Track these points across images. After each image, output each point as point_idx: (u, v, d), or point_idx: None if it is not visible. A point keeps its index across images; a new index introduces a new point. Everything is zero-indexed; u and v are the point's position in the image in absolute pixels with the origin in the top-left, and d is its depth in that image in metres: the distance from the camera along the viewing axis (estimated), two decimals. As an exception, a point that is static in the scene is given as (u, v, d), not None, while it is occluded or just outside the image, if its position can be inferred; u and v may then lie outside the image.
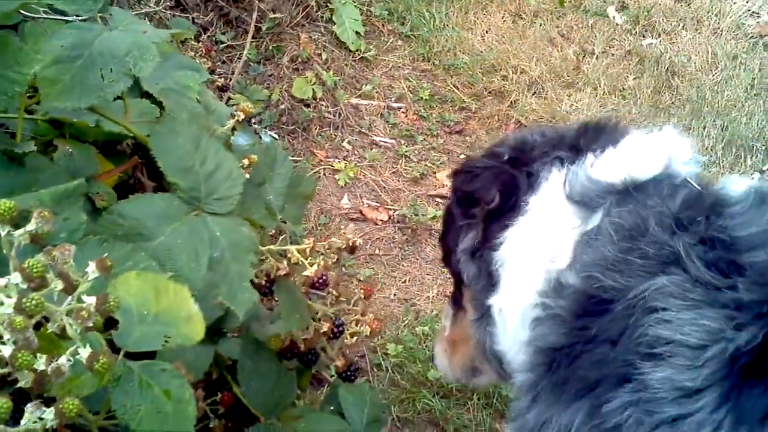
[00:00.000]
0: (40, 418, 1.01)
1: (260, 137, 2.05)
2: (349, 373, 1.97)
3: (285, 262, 1.74)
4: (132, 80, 1.58)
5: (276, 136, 3.57)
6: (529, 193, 1.65)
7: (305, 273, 1.72)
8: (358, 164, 3.81)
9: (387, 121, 4.06)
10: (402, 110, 4.15)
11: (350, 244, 1.82)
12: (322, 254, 1.77)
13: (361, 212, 3.57)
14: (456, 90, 4.29)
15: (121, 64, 1.56)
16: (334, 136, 3.92)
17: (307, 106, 3.98)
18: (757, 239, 1.30)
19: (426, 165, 3.87)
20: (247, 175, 1.77)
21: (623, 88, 4.43)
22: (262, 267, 1.73)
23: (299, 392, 2.14)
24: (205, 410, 1.85)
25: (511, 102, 4.23)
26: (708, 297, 1.26)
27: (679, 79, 4.56)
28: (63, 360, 1.05)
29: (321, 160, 3.78)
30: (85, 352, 1.05)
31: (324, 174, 3.73)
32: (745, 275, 1.26)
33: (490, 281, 1.69)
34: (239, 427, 1.86)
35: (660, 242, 1.36)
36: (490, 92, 4.29)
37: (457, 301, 1.95)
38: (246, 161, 1.83)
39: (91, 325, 1.05)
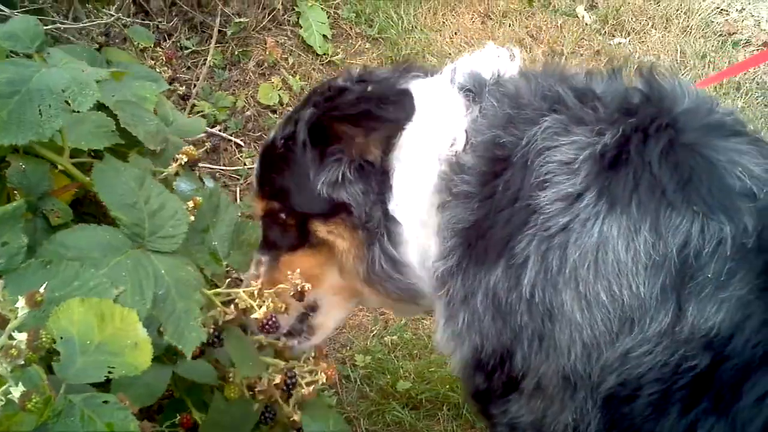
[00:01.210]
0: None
1: (203, 182, 2.00)
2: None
3: (232, 307, 1.68)
4: (70, 114, 1.55)
5: (213, 180, 3.51)
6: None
7: (254, 316, 1.66)
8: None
9: (355, 126, 4.01)
10: (369, 114, 4.10)
11: (300, 290, 1.77)
12: (270, 298, 1.72)
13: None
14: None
15: (60, 99, 1.53)
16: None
17: (274, 112, 3.94)
18: (609, 93, 1.71)
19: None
20: (192, 218, 1.73)
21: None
22: (209, 314, 1.67)
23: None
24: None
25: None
26: (578, 121, 1.64)
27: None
28: (-6, 399, 1.00)
29: (288, 167, 3.73)
30: (16, 392, 1.00)
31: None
32: (601, 102, 1.67)
33: (382, 192, 1.84)
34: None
35: (540, 96, 1.72)
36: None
37: (285, 244, 1.98)
38: (191, 203, 1.79)
39: (22, 363, 1.00)
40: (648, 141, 1.59)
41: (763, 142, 1.65)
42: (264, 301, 1.66)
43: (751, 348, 1.43)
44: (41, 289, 1.18)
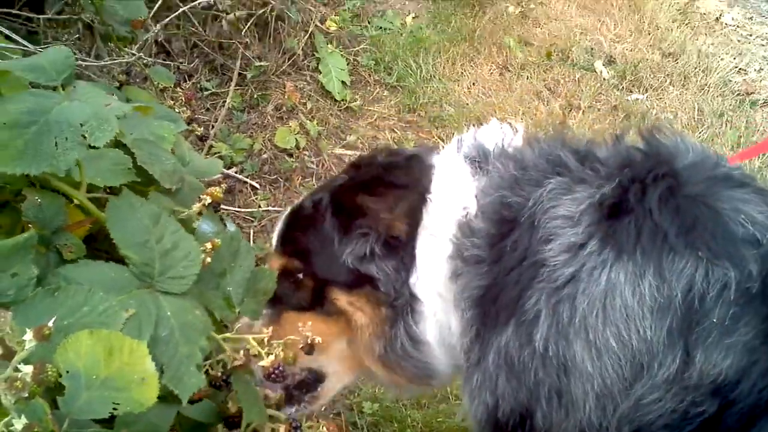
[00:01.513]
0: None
1: (225, 225, 2.00)
2: None
3: (241, 352, 1.66)
4: (86, 149, 1.54)
5: (234, 224, 3.52)
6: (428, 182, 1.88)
7: (261, 363, 1.63)
8: (341, 216, 3.76)
9: (371, 173, 4.02)
10: (386, 161, 4.11)
11: (309, 342, 1.76)
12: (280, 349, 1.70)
13: (342, 265, 3.51)
14: (441, 142, 4.26)
15: (77, 133, 1.53)
16: (316, 186, 3.88)
17: (290, 155, 3.96)
18: (610, 155, 1.75)
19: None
20: (209, 259, 1.72)
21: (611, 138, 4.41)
22: (218, 357, 1.65)
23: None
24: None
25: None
26: (579, 181, 1.69)
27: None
28: (-4, 431, 0.99)
29: (302, 211, 3.73)
30: (19, 424, 0.99)
31: (305, 225, 3.68)
32: (601, 164, 1.72)
33: (407, 267, 1.86)
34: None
35: (544, 160, 1.77)
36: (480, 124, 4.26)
37: (293, 302, 1.98)
38: (209, 245, 1.79)
39: (26, 396, 0.99)
40: (646, 190, 1.63)
41: None
42: (272, 350, 1.65)
43: (757, 393, 1.44)
44: (50, 323, 1.17)
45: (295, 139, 3.96)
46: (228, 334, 1.68)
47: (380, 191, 1.83)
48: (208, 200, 1.89)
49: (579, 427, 1.58)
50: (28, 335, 1.03)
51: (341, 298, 1.91)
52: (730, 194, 1.62)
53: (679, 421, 1.49)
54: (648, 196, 1.62)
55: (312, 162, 3.97)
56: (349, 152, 4.08)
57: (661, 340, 1.49)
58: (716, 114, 4.87)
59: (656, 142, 1.76)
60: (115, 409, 1.22)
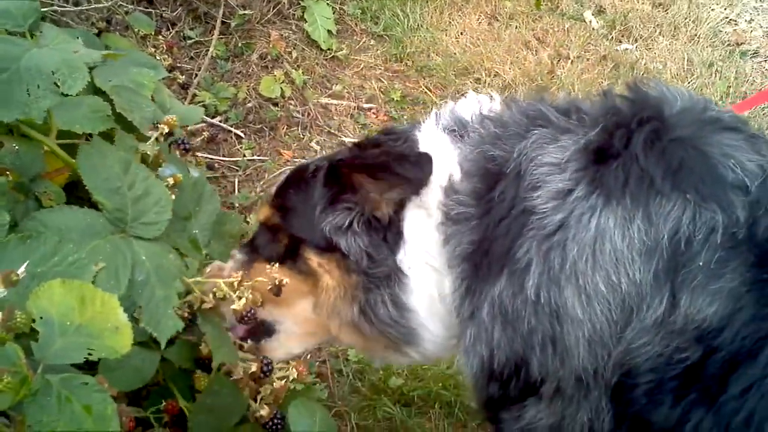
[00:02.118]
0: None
1: (188, 171, 2.00)
2: (275, 422, 1.89)
3: (211, 296, 1.66)
4: (59, 97, 1.54)
5: (209, 169, 3.49)
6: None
7: (233, 306, 1.63)
8: (326, 165, 3.73)
9: (357, 122, 4.00)
10: (372, 111, 4.08)
11: (277, 284, 1.76)
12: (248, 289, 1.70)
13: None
14: (428, 92, 4.24)
15: (49, 81, 1.53)
16: (302, 135, 3.86)
17: (275, 105, 3.92)
18: (595, 107, 1.76)
19: (396, 166, 3.79)
20: (173, 196, 1.71)
21: (597, 94, 4.37)
22: (186, 298, 1.65)
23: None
24: (149, 418, 1.78)
25: (483, 106, 4.17)
26: (564, 131, 1.69)
27: (654, 85, 4.50)
28: (-34, 375, 0.97)
29: (287, 160, 3.71)
30: (-12, 369, 0.97)
31: (291, 174, 3.66)
32: (586, 114, 1.73)
33: (390, 244, 1.87)
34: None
35: (524, 116, 1.78)
36: (462, 95, 4.20)
37: (266, 253, 2.01)
38: (171, 180, 1.77)
39: (-6, 339, 0.98)
40: (632, 134, 1.62)
41: (762, 138, 1.65)
42: (243, 293, 1.65)
43: (740, 340, 1.45)
44: (20, 270, 1.16)
45: (280, 88, 3.91)
46: (198, 278, 1.69)
47: (383, 177, 1.83)
48: (165, 129, 1.88)
49: (575, 374, 1.59)
50: (-5, 279, 1.01)
51: (313, 259, 1.94)
52: (719, 138, 1.61)
53: (664, 365, 1.49)
54: (633, 140, 1.61)
55: (297, 111, 3.93)
56: (335, 101, 4.05)
57: (648, 281, 1.49)
58: (706, 64, 4.84)
59: (642, 91, 1.75)
60: (90, 354, 1.21)
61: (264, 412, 1.79)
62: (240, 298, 1.63)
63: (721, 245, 1.47)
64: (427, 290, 1.87)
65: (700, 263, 1.47)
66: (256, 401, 1.81)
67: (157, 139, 1.83)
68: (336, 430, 2.07)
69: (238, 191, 3.49)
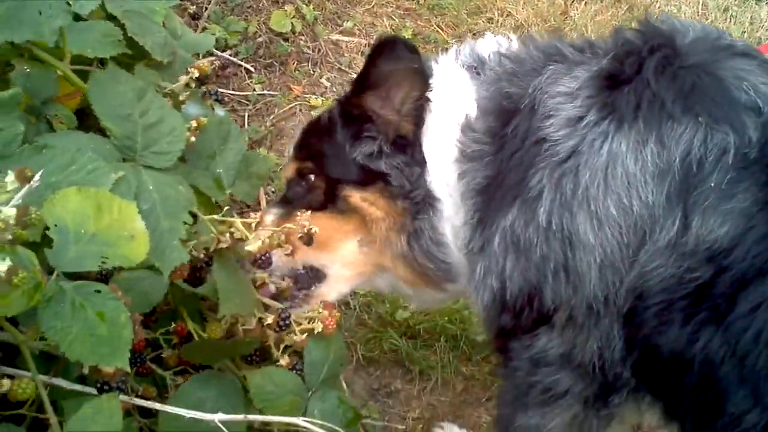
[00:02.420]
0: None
1: (213, 110, 2.00)
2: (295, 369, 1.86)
3: (227, 235, 1.62)
4: (71, 17, 1.54)
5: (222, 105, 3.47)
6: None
7: (248, 248, 1.62)
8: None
9: (368, 59, 3.96)
10: (383, 49, 4.04)
11: (307, 233, 1.73)
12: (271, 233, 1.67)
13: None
14: (440, 30, 4.20)
15: (61, 0, 1.54)
16: (312, 71, 3.84)
17: (286, 40, 3.88)
18: (607, 44, 1.77)
19: (405, 104, 3.77)
20: (194, 138, 1.69)
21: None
22: (202, 238, 1.62)
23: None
24: (159, 339, 1.80)
25: (495, 45, 4.13)
26: (578, 64, 1.73)
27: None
28: (-19, 272, 0.99)
29: (297, 96, 3.70)
30: (3, 265, 0.99)
31: (300, 110, 3.66)
32: (599, 48, 1.77)
33: (421, 166, 1.90)
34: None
35: (541, 52, 1.82)
36: (474, 34, 4.18)
37: (304, 203, 1.99)
38: (194, 123, 1.76)
39: (10, 238, 0.99)
40: (643, 61, 1.64)
41: None
42: (260, 236, 1.62)
43: (751, 259, 1.46)
44: (35, 178, 1.16)
45: (291, 23, 3.88)
46: (215, 216, 1.67)
47: (379, 81, 1.86)
48: (196, 74, 1.87)
49: (586, 302, 1.61)
50: (10, 177, 1.02)
51: (354, 195, 1.95)
52: (732, 64, 1.61)
53: (676, 286, 1.51)
54: (645, 66, 1.63)
55: (308, 47, 3.90)
56: (345, 38, 4.01)
57: (661, 203, 1.51)
58: (720, 9, 4.77)
59: (653, 24, 1.76)
60: (104, 263, 1.22)
61: (284, 361, 1.79)
62: (256, 240, 1.61)
63: (732, 166, 1.48)
64: (451, 221, 1.89)
65: (712, 184, 1.48)
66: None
67: (187, 84, 1.81)
68: (347, 358, 2.10)
69: (248, 125, 3.48)
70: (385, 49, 1.82)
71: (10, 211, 1.00)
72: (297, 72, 3.80)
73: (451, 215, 1.88)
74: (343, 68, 3.89)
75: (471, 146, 1.81)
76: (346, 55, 3.95)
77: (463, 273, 1.94)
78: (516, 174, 1.70)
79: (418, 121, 1.89)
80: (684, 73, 1.60)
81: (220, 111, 2.02)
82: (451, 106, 1.88)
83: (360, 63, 3.83)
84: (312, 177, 2.01)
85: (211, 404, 1.61)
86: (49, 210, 1.20)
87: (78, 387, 1.36)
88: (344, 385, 2.64)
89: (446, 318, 2.88)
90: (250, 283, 1.77)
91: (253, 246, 1.62)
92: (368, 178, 1.94)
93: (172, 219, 1.53)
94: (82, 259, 1.22)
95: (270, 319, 1.74)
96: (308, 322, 1.81)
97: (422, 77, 1.87)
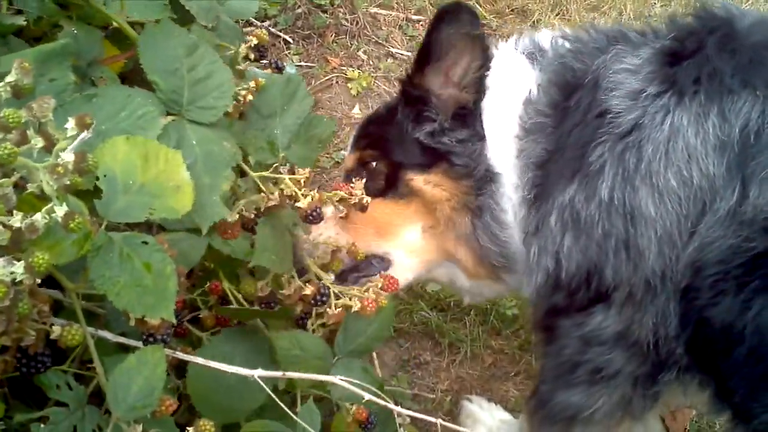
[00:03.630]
0: (12, 273, 0.98)
1: (281, 66, 1.99)
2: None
3: (276, 193, 1.60)
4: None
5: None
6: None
7: (298, 204, 1.59)
8: (372, 74, 3.73)
9: (405, 33, 3.96)
10: (421, 23, 4.03)
11: (360, 201, 1.67)
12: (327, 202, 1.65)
13: (371, 124, 3.49)
14: (478, 6, 4.17)
15: None
16: (349, 44, 3.83)
17: (324, 12, 3.89)
18: (666, 28, 1.79)
19: (442, 80, 3.77)
20: (251, 97, 1.69)
21: (649, 15, 4.29)
22: (252, 198, 1.60)
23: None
24: (196, 300, 1.82)
25: (534, 22, 4.11)
26: (640, 45, 1.75)
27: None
28: (38, 217, 1.01)
29: (334, 68, 3.71)
30: (60, 210, 1.01)
31: (337, 82, 3.66)
32: (660, 32, 1.77)
33: (482, 140, 1.89)
34: (228, 319, 1.83)
35: (604, 36, 1.83)
36: (512, 10, 4.16)
37: (374, 191, 1.94)
38: (252, 84, 1.75)
39: (68, 183, 1.01)
40: (704, 39, 1.66)
41: None
42: (310, 192, 1.60)
43: None
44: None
45: (330, -6, 3.89)
46: (264, 173, 1.65)
47: (441, 52, 1.87)
48: (255, 41, 1.87)
49: (645, 278, 1.61)
50: (70, 123, 1.04)
51: (416, 179, 1.94)
52: None
53: (732, 256, 1.51)
54: (705, 43, 1.65)
55: (346, 20, 3.90)
56: (384, 12, 4.00)
57: (721, 174, 1.52)
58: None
59: (710, 10, 1.76)
60: (151, 214, 1.24)
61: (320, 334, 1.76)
62: (305, 196, 1.59)
63: None
64: (512, 199, 1.87)
65: None
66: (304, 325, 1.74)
67: (246, 56, 1.82)
68: (386, 337, 2.08)
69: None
70: (448, 14, 1.81)
71: (69, 157, 1.02)
72: (334, 44, 3.80)
73: (511, 192, 1.87)
74: (380, 41, 3.89)
75: (532, 118, 1.81)
76: (383, 28, 3.94)
77: (521, 260, 1.91)
78: (576, 148, 1.70)
79: (479, 91, 1.89)
80: (743, 50, 1.61)
81: (291, 69, 2.00)
82: (513, 81, 1.89)
83: (397, 37, 3.85)
84: (374, 163, 2.01)
85: (239, 359, 1.59)
86: (98, 159, 1.21)
87: (122, 339, 1.39)
88: (374, 355, 2.68)
89: (477, 291, 2.88)
90: (291, 246, 1.75)
91: (303, 202, 1.60)
92: (431, 159, 1.93)
93: (214, 175, 1.52)
94: (130, 210, 1.23)
95: (308, 290, 1.68)
96: (349, 299, 1.71)
97: (483, 45, 1.87)
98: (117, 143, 1.23)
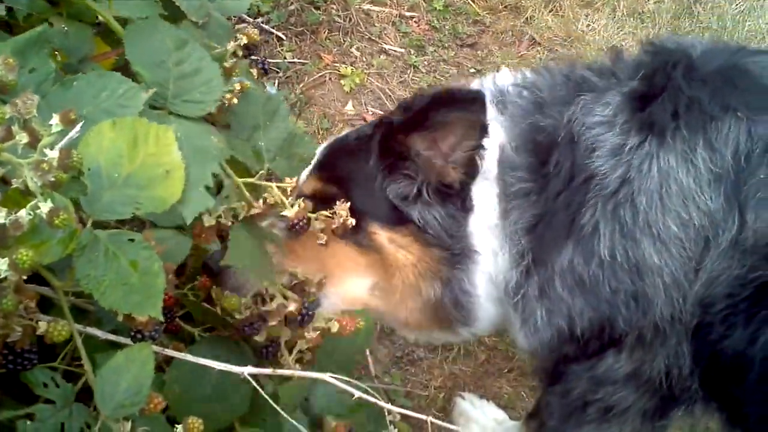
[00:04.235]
0: (-5, 272, 0.97)
1: (264, 86, 1.94)
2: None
3: (261, 201, 1.54)
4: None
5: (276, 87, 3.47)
6: None
7: (284, 213, 1.53)
8: (366, 71, 3.73)
9: (398, 30, 3.96)
10: (414, 19, 4.04)
11: (343, 223, 1.60)
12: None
13: (364, 119, 3.50)
14: (471, 2, 4.18)
15: None
16: (342, 41, 3.84)
17: (318, 8, 3.89)
18: (623, 65, 1.77)
19: (435, 77, 3.78)
20: (236, 101, 1.68)
21: (642, 11, 4.30)
22: (232, 205, 1.54)
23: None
24: (188, 295, 1.82)
25: (527, 18, 4.12)
26: (605, 90, 1.69)
27: (701, 6, 4.40)
28: (23, 213, 1.00)
29: (327, 64, 3.71)
30: (45, 207, 1.00)
31: (330, 78, 3.66)
32: (621, 72, 1.73)
33: (462, 214, 1.77)
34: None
35: (564, 80, 1.78)
36: (506, 6, 4.17)
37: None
38: (237, 86, 1.74)
39: (53, 179, 1.00)
40: (670, 73, 1.63)
41: None
42: (297, 200, 1.56)
43: None
44: (77, 127, 1.16)
45: (324, -9, 3.89)
46: (249, 179, 1.59)
47: (436, 126, 1.70)
48: (244, 40, 1.86)
49: (653, 322, 1.60)
50: (54, 119, 1.03)
51: (380, 234, 1.80)
52: (754, 59, 1.62)
53: (739, 288, 1.50)
54: (673, 76, 1.62)
55: (339, 16, 3.90)
56: (377, 8, 4.00)
57: (719, 206, 1.50)
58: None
59: (659, 43, 1.76)
60: (137, 209, 1.23)
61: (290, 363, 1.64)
62: (293, 205, 1.54)
63: None
64: (487, 270, 1.80)
65: (762, 176, 1.47)
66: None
67: (234, 53, 1.80)
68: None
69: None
70: (458, 102, 1.66)
71: (53, 153, 1.01)
72: (327, 41, 3.80)
73: (489, 266, 1.79)
74: (374, 38, 3.89)
75: (515, 185, 1.72)
76: (376, 24, 3.94)
77: (486, 318, 1.87)
78: (565, 214, 1.66)
79: (470, 173, 1.74)
80: (710, 77, 1.60)
81: (271, 89, 1.98)
82: (487, 141, 1.74)
83: (391, 33, 3.84)
84: (333, 201, 1.75)
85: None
86: (84, 151, 1.18)
87: (111, 336, 1.38)
88: (368, 352, 2.68)
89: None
90: (270, 258, 1.65)
91: (290, 211, 1.56)
92: (400, 217, 1.78)
93: (201, 168, 1.47)
94: (116, 205, 1.21)
95: (292, 307, 1.58)
96: (324, 322, 1.64)
97: (482, 129, 1.69)
98: (103, 130, 1.19)
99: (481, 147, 1.71)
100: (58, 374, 1.31)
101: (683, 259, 1.54)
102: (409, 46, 3.90)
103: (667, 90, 1.61)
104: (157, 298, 1.22)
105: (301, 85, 3.58)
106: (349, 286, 1.87)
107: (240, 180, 1.61)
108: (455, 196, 1.76)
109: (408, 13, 4.05)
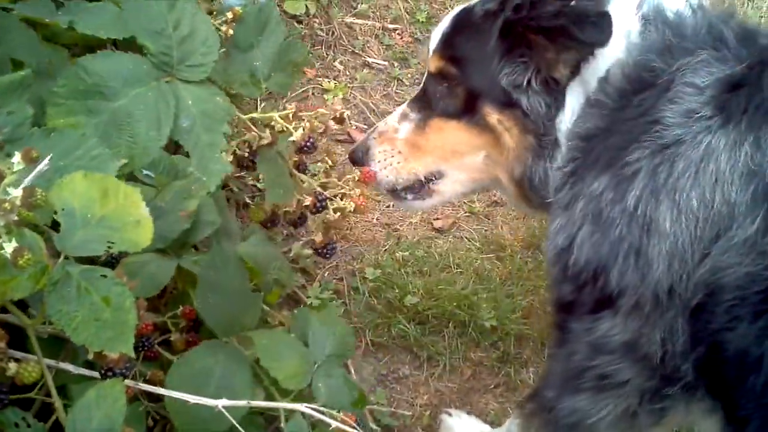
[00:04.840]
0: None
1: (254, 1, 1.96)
2: (326, 250, 1.96)
3: (268, 131, 1.68)
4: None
5: None
6: None
7: (291, 138, 1.68)
8: (349, 85, 3.71)
9: (381, 43, 3.95)
10: (397, 32, 4.03)
11: (338, 115, 1.79)
12: (307, 120, 1.73)
13: (348, 134, 3.48)
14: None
15: None
16: (325, 54, 3.82)
17: (300, 22, 3.87)
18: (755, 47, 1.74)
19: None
20: (231, 32, 1.69)
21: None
22: (244, 138, 1.69)
23: (270, 312, 2.10)
24: (167, 323, 1.81)
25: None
26: (722, 59, 1.69)
27: None
28: (-13, 252, 0.99)
29: (310, 79, 3.69)
30: (9, 247, 0.99)
31: (313, 93, 3.65)
32: (753, 48, 1.72)
33: (558, 113, 1.88)
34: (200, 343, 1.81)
35: (706, 30, 1.76)
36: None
37: (441, 108, 2.03)
38: (230, 15, 1.75)
39: (15, 218, 0.98)
40: (761, 72, 1.65)
41: None
42: (301, 123, 1.65)
43: None
44: (44, 161, 1.16)
45: (305, 5, 3.85)
46: (254, 114, 1.74)
47: (560, 41, 1.81)
48: None
49: (652, 290, 1.62)
50: (16, 158, 1.01)
51: (492, 114, 1.93)
52: None
53: (750, 282, 1.52)
54: (764, 75, 1.64)
55: (321, 30, 3.88)
56: (359, 21, 3.99)
57: (744, 201, 1.53)
58: (739, -5, 4.71)
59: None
60: (110, 247, 1.22)
61: (318, 238, 1.91)
62: (297, 129, 1.67)
63: None
64: (554, 165, 1.91)
65: None
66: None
67: None
68: (353, 346, 2.10)
69: (260, 107, 3.47)
70: (592, 22, 1.76)
71: (16, 192, 0.99)
72: (310, 54, 3.77)
73: (556, 162, 1.90)
74: (357, 51, 3.88)
75: (598, 96, 1.80)
76: (359, 38, 3.93)
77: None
78: (620, 138, 1.71)
79: (575, 70, 1.84)
80: None
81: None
82: (606, 54, 1.82)
83: (374, 46, 3.83)
84: (455, 83, 1.98)
85: (220, 371, 1.66)
86: (57, 194, 1.20)
87: (84, 371, 1.37)
88: (352, 370, 2.66)
89: (455, 304, 2.87)
90: (289, 173, 1.83)
91: (297, 135, 1.67)
92: (509, 101, 1.90)
93: (212, 132, 1.57)
94: (89, 243, 1.22)
95: (308, 201, 1.82)
96: (341, 201, 1.86)
97: (594, 47, 1.79)
98: (75, 179, 1.21)
99: (593, 53, 1.80)
100: (30, 414, 1.30)
101: (693, 236, 1.57)
102: (393, 58, 3.89)
103: (752, 85, 1.63)
104: (128, 334, 1.21)
105: (284, 100, 3.55)
106: (466, 161, 2.06)
107: (246, 117, 1.74)
108: (557, 92, 1.87)
109: (391, 26, 4.03)
